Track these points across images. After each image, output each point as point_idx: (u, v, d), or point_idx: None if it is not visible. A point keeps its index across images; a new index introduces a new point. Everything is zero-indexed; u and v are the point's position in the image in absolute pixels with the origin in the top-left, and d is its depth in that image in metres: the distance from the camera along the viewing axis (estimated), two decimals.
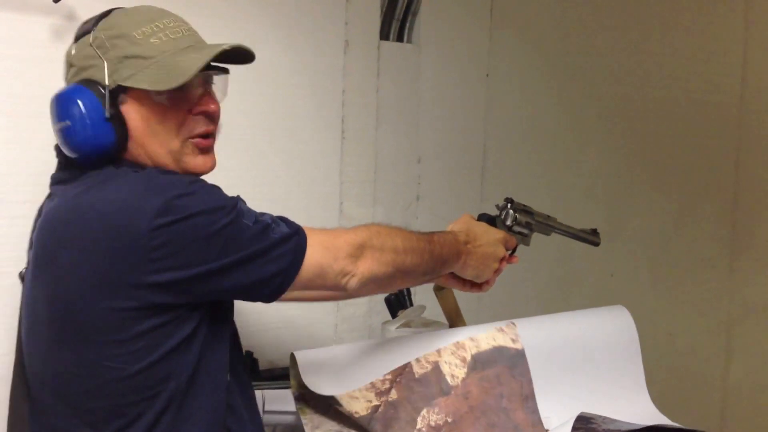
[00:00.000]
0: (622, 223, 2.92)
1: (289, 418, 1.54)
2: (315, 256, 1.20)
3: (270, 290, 1.19)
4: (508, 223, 1.66)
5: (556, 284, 2.72)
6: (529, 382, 1.55)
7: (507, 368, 1.55)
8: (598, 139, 2.80)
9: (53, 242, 1.15)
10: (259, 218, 1.18)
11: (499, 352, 1.55)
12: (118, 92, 1.18)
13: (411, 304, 2.14)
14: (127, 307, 1.10)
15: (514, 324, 1.60)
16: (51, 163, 1.28)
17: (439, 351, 1.53)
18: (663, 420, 1.61)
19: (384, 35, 2.21)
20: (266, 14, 1.96)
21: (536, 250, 2.61)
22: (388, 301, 2.16)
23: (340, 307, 2.16)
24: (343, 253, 1.23)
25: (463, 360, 1.53)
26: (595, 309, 1.76)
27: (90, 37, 1.19)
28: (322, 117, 2.08)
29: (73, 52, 1.22)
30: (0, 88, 1.60)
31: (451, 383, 1.50)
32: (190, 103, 1.23)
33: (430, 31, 2.30)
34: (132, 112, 1.19)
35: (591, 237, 1.84)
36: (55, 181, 1.25)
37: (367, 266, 1.26)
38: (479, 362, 1.54)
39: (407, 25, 2.26)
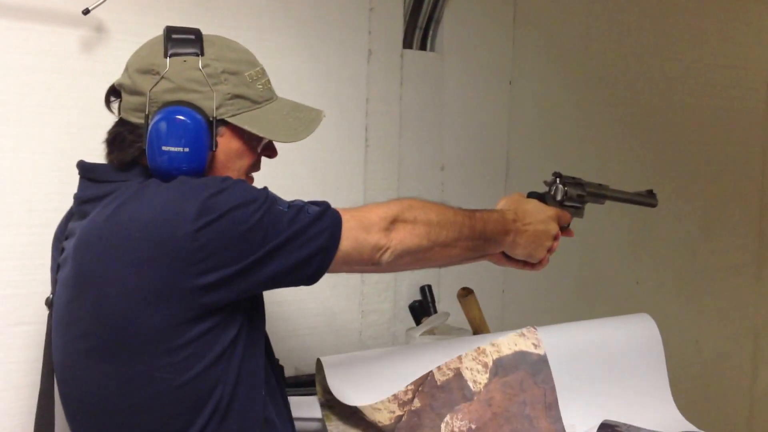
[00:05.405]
0: (648, 230, 2.91)
1: (315, 425, 1.55)
2: (350, 231, 1.22)
3: (313, 269, 1.20)
4: (559, 198, 1.62)
5: (581, 292, 2.71)
6: (552, 389, 1.54)
7: (529, 374, 1.54)
8: (622, 147, 2.78)
9: (95, 259, 1.15)
10: (291, 203, 1.21)
11: (521, 357, 1.55)
12: (218, 124, 1.22)
13: (435, 311, 2.15)
14: (178, 313, 1.12)
15: (534, 328, 1.60)
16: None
17: (460, 357, 1.53)
18: (689, 427, 1.61)
19: (407, 44, 2.22)
20: (291, 25, 1.98)
21: (561, 258, 2.59)
22: (413, 308, 2.17)
23: (365, 314, 2.17)
24: (376, 227, 1.25)
25: (485, 365, 1.53)
26: (620, 317, 1.76)
27: (199, 62, 1.21)
28: (346, 125, 2.10)
29: (168, 65, 1.20)
30: (32, 98, 1.63)
31: (473, 389, 1.51)
32: (263, 147, 1.33)
33: (452, 39, 2.30)
34: (223, 145, 1.24)
35: (647, 199, 1.77)
36: (84, 199, 1.25)
37: (399, 239, 1.27)
38: (501, 367, 1.54)
39: (430, 33, 2.27)
